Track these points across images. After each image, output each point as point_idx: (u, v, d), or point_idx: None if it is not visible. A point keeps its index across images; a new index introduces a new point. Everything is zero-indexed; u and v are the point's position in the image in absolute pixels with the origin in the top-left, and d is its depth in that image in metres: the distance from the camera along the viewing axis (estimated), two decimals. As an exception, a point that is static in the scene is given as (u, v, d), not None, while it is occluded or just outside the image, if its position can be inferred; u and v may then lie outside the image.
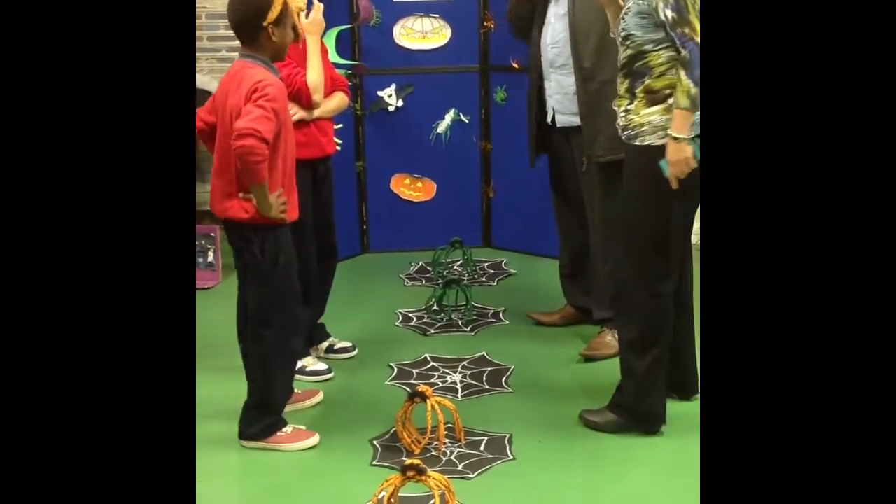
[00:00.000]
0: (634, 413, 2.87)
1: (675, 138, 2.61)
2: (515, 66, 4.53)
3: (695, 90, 2.55)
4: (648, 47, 2.65)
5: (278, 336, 2.81)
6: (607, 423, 2.90)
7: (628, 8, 2.70)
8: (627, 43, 2.71)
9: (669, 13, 2.57)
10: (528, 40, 3.61)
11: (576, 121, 3.44)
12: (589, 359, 3.45)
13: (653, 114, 2.69)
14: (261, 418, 2.86)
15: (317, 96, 3.18)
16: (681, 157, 2.62)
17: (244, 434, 2.88)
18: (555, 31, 3.43)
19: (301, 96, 3.16)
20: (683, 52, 2.57)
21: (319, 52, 3.19)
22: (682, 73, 2.57)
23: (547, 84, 3.52)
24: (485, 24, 4.64)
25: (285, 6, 2.70)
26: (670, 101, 2.63)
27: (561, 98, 3.49)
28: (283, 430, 2.89)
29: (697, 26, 2.54)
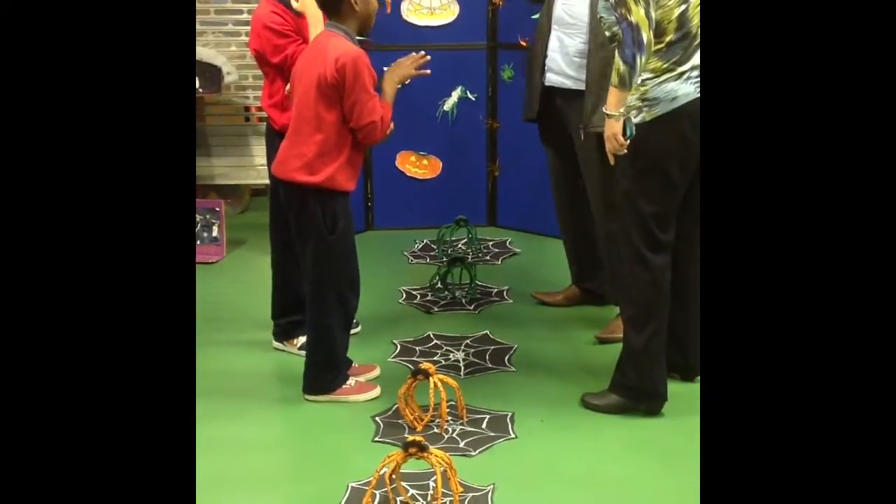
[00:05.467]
0: (636, 392, 2.87)
1: (607, 114, 2.68)
2: (523, 44, 4.49)
3: (624, 68, 2.59)
4: (616, 29, 2.69)
5: (339, 296, 2.94)
6: (609, 405, 2.90)
7: None
8: (602, 24, 2.83)
9: None
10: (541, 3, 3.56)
11: (567, 83, 3.39)
12: (604, 341, 3.43)
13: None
14: (325, 374, 3.00)
15: None
16: (609, 132, 2.69)
17: (311, 389, 3.01)
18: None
19: None
20: (617, 30, 2.63)
21: (321, 27, 3.08)
22: (617, 50, 2.63)
23: (550, 40, 3.45)
24: (493, 0, 4.60)
25: None
26: (643, 76, 2.67)
27: (558, 57, 3.41)
28: (348, 383, 3.03)
29: (635, 8, 2.55)
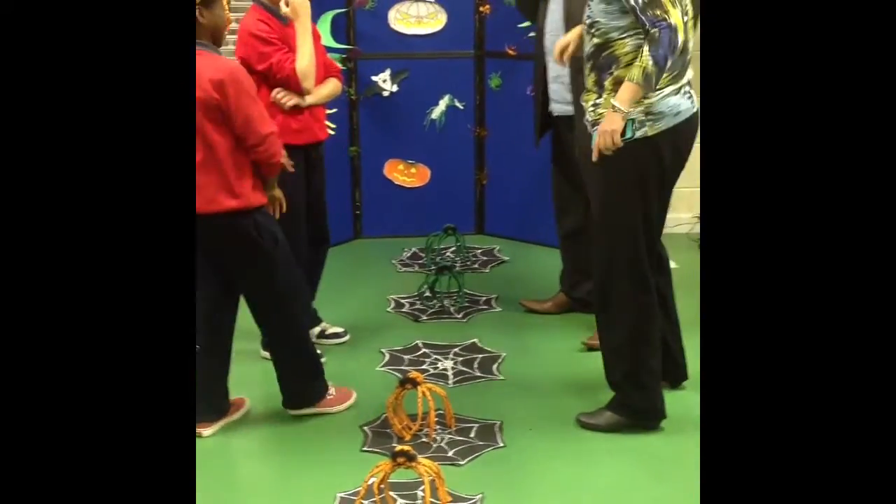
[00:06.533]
0: (635, 411, 2.85)
1: (614, 107, 2.57)
2: (511, 52, 4.51)
3: (652, 68, 2.50)
4: (614, 35, 2.59)
5: (297, 307, 2.94)
6: (606, 424, 2.87)
7: None
8: (593, 31, 2.64)
9: None
10: (534, 21, 3.58)
11: (570, 109, 3.41)
12: (592, 348, 3.42)
13: None
14: (311, 384, 2.97)
15: (307, 83, 3.12)
16: (608, 127, 2.58)
17: (297, 401, 2.96)
18: (553, 18, 3.38)
19: (290, 83, 3.12)
20: (653, 31, 2.50)
21: (310, 37, 3.12)
22: (646, 48, 2.51)
23: (548, 70, 3.48)
24: (480, 9, 4.61)
25: None
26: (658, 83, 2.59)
27: (558, 87, 3.45)
28: (329, 392, 3.00)
29: (673, 10, 2.48)
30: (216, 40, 2.69)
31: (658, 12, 2.48)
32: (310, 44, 3.11)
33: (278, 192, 2.91)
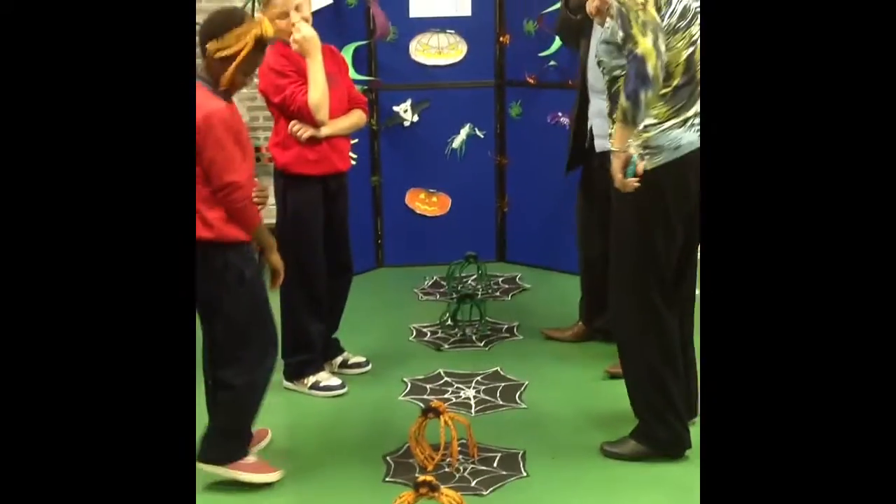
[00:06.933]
0: (656, 440, 2.83)
1: (610, 150, 2.65)
2: (531, 81, 4.54)
3: (626, 104, 2.50)
4: (617, 72, 2.62)
5: (253, 357, 2.67)
6: (630, 453, 2.85)
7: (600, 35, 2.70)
8: (601, 69, 2.72)
9: (620, 33, 2.52)
10: (577, 51, 3.61)
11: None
12: (615, 376, 3.41)
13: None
14: (226, 443, 2.72)
15: (320, 115, 3.11)
16: (613, 168, 2.64)
17: (206, 457, 2.69)
18: (594, 53, 3.40)
19: (303, 115, 3.13)
20: (627, 66, 2.51)
21: (320, 69, 3.07)
22: (622, 88, 2.54)
23: (590, 105, 3.49)
24: (500, 39, 4.65)
25: (250, 53, 2.51)
26: (645, 122, 2.60)
27: (600, 122, 3.42)
28: (246, 458, 2.76)
29: (642, 39, 2.45)
30: (224, 89, 2.55)
31: (630, 45, 2.48)
32: (321, 76, 3.09)
33: (276, 260, 2.72)
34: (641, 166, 2.61)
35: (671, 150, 2.61)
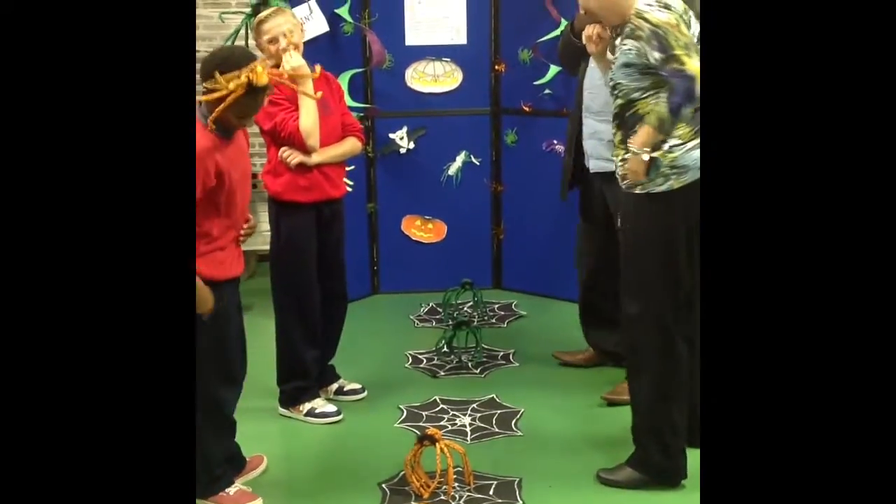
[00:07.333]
0: (652, 467, 2.81)
1: (633, 151, 2.66)
2: (526, 109, 4.57)
3: (667, 114, 2.58)
4: (636, 95, 2.65)
5: (212, 393, 2.64)
6: (626, 480, 2.84)
7: (616, 59, 2.71)
8: (616, 92, 2.72)
9: (657, 54, 2.57)
10: (576, 75, 3.62)
11: (609, 166, 3.42)
12: (612, 403, 3.40)
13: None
14: (198, 477, 2.61)
15: (310, 141, 3.12)
16: (630, 167, 2.67)
17: None
18: (592, 75, 3.40)
19: (294, 141, 3.13)
20: (672, 80, 2.57)
21: (312, 95, 3.01)
22: (663, 95, 2.60)
23: (584, 126, 3.51)
24: (496, 67, 4.68)
25: (241, 97, 2.45)
26: (665, 146, 2.63)
27: (594, 143, 3.45)
28: (227, 490, 2.76)
29: (686, 59, 2.54)
30: (219, 123, 2.51)
31: (675, 65, 2.55)
32: (312, 103, 3.09)
33: (203, 293, 2.54)
34: (668, 186, 2.64)
35: (696, 169, 2.63)
